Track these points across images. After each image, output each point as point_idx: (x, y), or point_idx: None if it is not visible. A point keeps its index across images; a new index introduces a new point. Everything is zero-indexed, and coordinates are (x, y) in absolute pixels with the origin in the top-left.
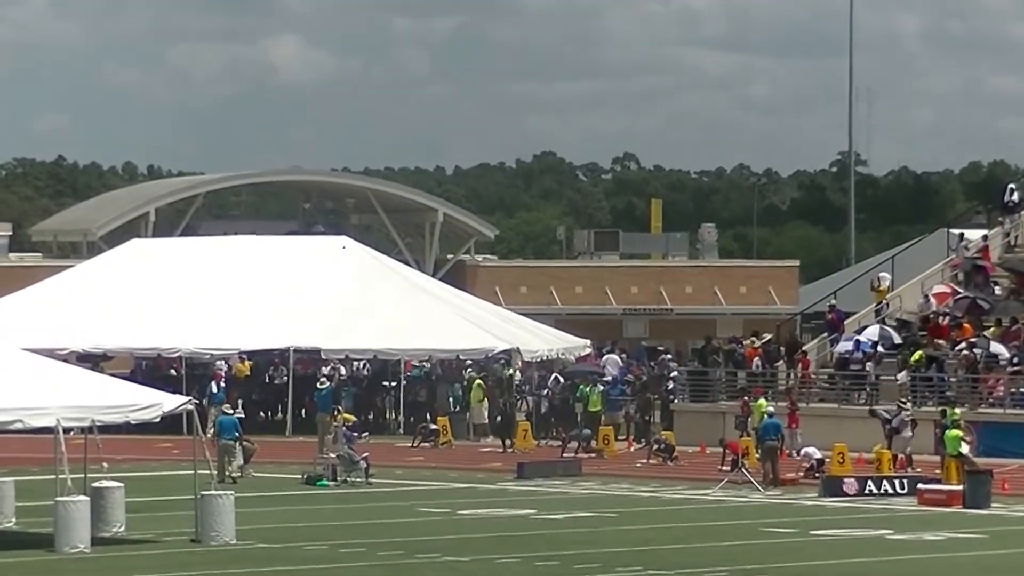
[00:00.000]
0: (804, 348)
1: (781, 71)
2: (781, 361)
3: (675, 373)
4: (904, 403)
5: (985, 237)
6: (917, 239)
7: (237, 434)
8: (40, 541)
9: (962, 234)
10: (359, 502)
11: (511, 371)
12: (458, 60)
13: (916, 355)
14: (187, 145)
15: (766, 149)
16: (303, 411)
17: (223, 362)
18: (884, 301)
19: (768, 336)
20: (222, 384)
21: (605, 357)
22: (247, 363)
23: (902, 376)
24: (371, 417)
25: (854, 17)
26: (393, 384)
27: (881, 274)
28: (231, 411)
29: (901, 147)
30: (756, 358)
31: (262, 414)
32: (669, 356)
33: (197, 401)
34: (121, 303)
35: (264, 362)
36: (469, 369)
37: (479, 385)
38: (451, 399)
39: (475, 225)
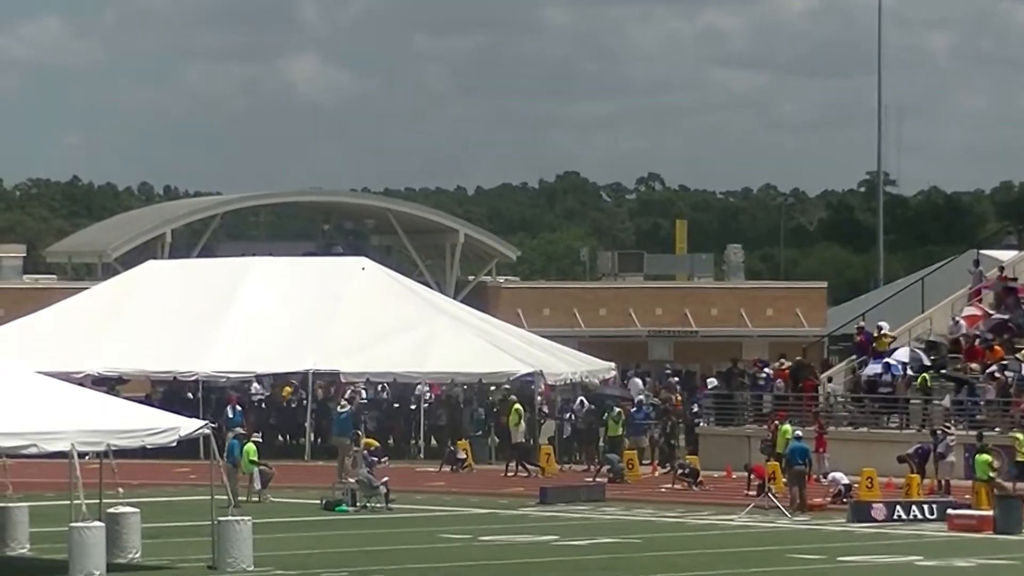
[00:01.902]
0: (826, 372)
1: (808, 89)
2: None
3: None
4: (948, 427)
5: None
6: (947, 260)
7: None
8: (54, 568)
9: (976, 260)
10: (379, 528)
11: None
12: (479, 78)
13: (921, 378)
14: (204, 165)
15: (793, 168)
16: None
17: (258, 385)
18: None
19: (798, 358)
20: (237, 408)
21: (632, 380)
22: (287, 388)
23: (945, 401)
24: (391, 441)
25: (883, 35)
26: (413, 408)
27: (880, 323)
28: (243, 434)
29: (931, 166)
30: (779, 380)
31: (280, 438)
32: (676, 379)
33: (214, 425)
34: (137, 325)
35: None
36: (505, 388)
37: (517, 409)
38: (473, 423)
39: (497, 246)
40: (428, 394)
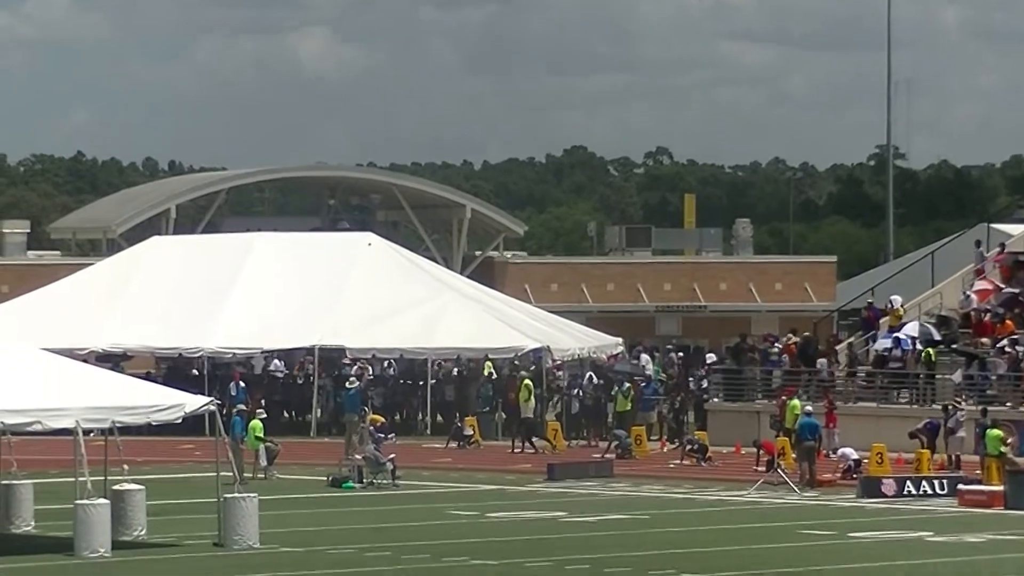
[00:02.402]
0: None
1: (818, 64)
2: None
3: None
4: (959, 402)
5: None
6: (957, 234)
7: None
8: (59, 545)
9: (978, 241)
10: (385, 504)
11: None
12: (487, 53)
13: (925, 353)
14: (209, 140)
15: (803, 143)
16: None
17: (279, 361)
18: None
19: (807, 333)
20: (241, 384)
21: (644, 356)
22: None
23: (956, 376)
24: (400, 418)
25: (893, 9)
26: (420, 384)
27: (893, 297)
28: (246, 411)
29: (941, 141)
30: (786, 356)
31: (286, 414)
32: (679, 354)
33: (219, 402)
34: (141, 302)
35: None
36: (514, 363)
37: (527, 385)
38: (479, 399)
39: (504, 221)
40: (441, 369)
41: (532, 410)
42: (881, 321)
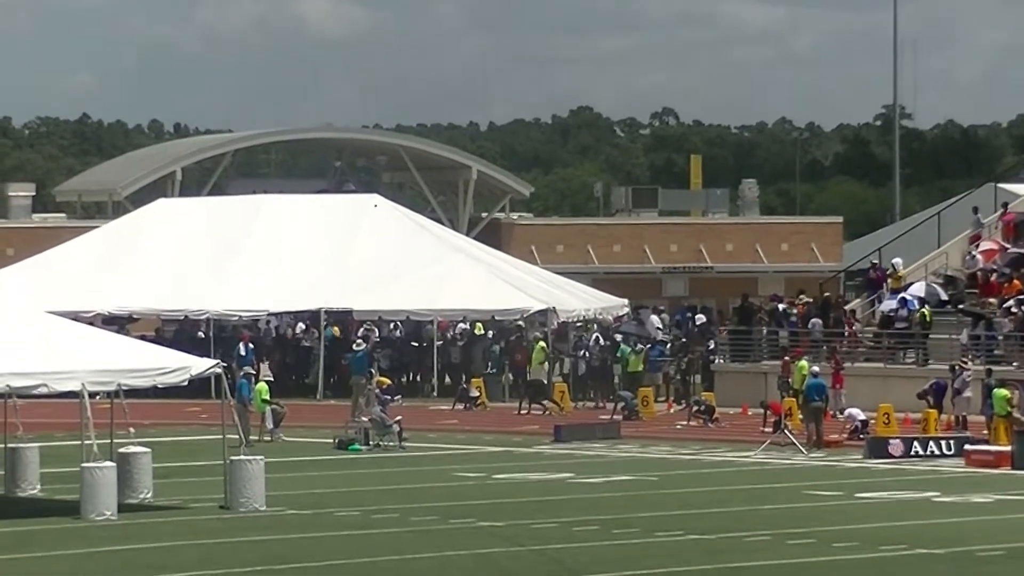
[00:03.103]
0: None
1: (824, 22)
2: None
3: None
4: (965, 363)
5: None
6: (964, 194)
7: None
8: (66, 508)
9: (975, 208)
10: (392, 467)
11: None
12: (493, 13)
13: (920, 313)
14: (215, 102)
15: (809, 103)
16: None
17: (303, 324)
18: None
19: (827, 294)
20: (250, 346)
21: (652, 317)
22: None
23: (963, 336)
24: (407, 379)
25: None
26: (426, 345)
27: (895, 260)
28: (253, 373)
29: (948, 100)
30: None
31: (292, 377)
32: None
33: (225, 364)
34: (147, 264)
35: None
36: (519, 324)
37: (542, 347)
38: (488, 361)
39: (510, 182)
40: (461, 329)
41: (545, 373)
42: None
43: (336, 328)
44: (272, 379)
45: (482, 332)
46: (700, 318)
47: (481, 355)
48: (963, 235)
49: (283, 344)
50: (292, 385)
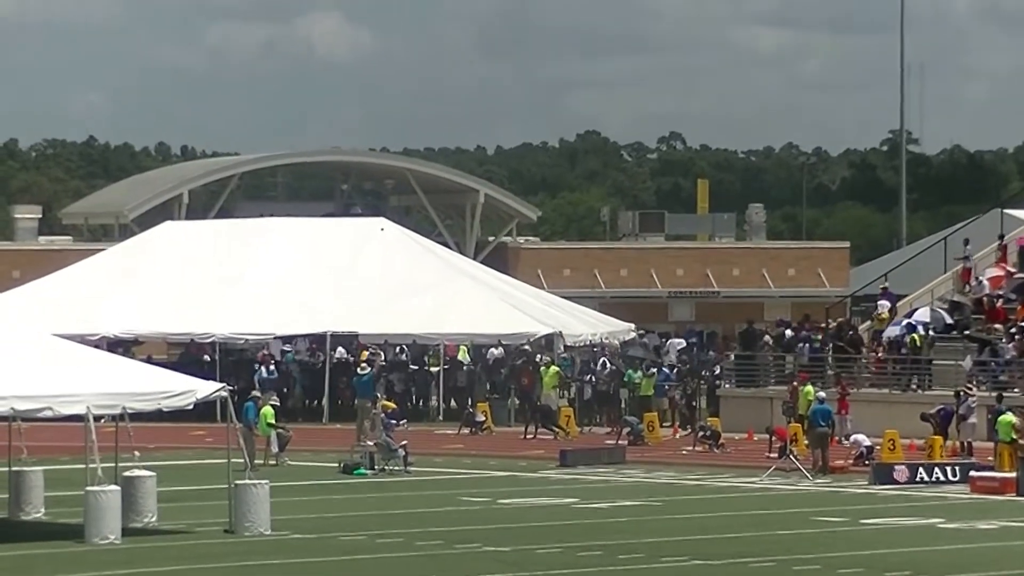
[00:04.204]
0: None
1: (831, 48)
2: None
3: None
4: (970, 389)
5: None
6: (970, 219)
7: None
8: (70, 532)
9: (966, 240)
10: (397, 491)
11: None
12: (500, 37)
13: (911, 339)
14: (222, 125)
15: (816, 127)
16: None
17: (343, 350)
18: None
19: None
20: (271, 368)
21: (669, 341)
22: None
23: (967, 362)
24: (417, 404)
25: None
26: (427, 369)
27: (880, 302)
28: (259, 396)
29: (954, 125)
30: (802, 344)
31: (315, 403)
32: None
33: (231, 388)
34: (154, 287)
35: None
36: (525, 348)
37: (556, 372)
38: (492, 385)
39: (517, 206)
40: (498, 352)
41: (555, 400)
42: (866, 324)
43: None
44: (278, 403)
45: (467, 358)
46: (679, 342)
47: (484, 379)
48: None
49: (303, 368)
50: (298, 408)
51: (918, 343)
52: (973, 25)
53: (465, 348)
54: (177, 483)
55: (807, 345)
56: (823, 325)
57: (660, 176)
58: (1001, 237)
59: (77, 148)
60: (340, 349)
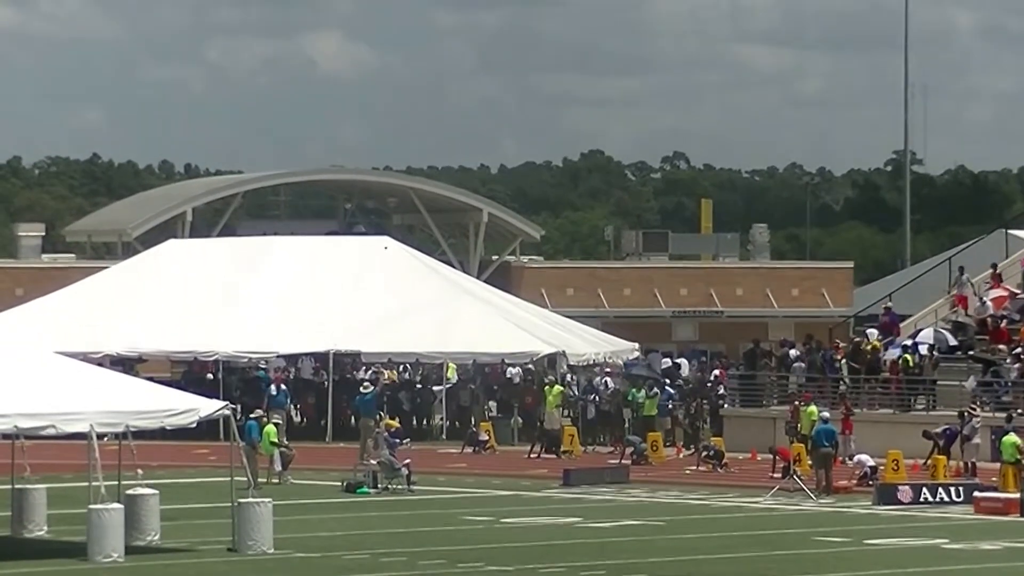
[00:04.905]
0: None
1: (835, 67)
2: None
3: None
4: (974, 409)
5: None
6: (974, 240)
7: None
8: (72, 550)
9: (961, 267)
10: (400, 510)
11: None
12: (503, 55)
13: (902, 359)
14: (225, 143)
15: (819, 147)
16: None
17: (381, 365)
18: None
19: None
20: (283, 387)
21: (680, 361)
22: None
23: (970, 383)
24: (420, 423)
25: (909, 12)
26: (430, 387)
27: (868, 331)
28: (263, 415)
29: (958, 145)
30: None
31: (304, 419)
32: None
33: (234, 407)
34: (157, 305)
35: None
36: (529, 367)
37: (559, 391)
38: (494, 403)
39: (521, 225)
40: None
41: (558, 419)
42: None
43: (393, 373)
44: (281, 421)
45: (454, 376)
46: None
47: (485, 398)
48: (974, 280)
49: (312, 386)
50: (299, 426)
51: (911, 364)
52: (977, 45)
53: (453, 366)
54: (180, 501)
55: (825, 364)
56: (839, 344)
57: (663, 195)
58: (994, 266)
59: (80, 166)
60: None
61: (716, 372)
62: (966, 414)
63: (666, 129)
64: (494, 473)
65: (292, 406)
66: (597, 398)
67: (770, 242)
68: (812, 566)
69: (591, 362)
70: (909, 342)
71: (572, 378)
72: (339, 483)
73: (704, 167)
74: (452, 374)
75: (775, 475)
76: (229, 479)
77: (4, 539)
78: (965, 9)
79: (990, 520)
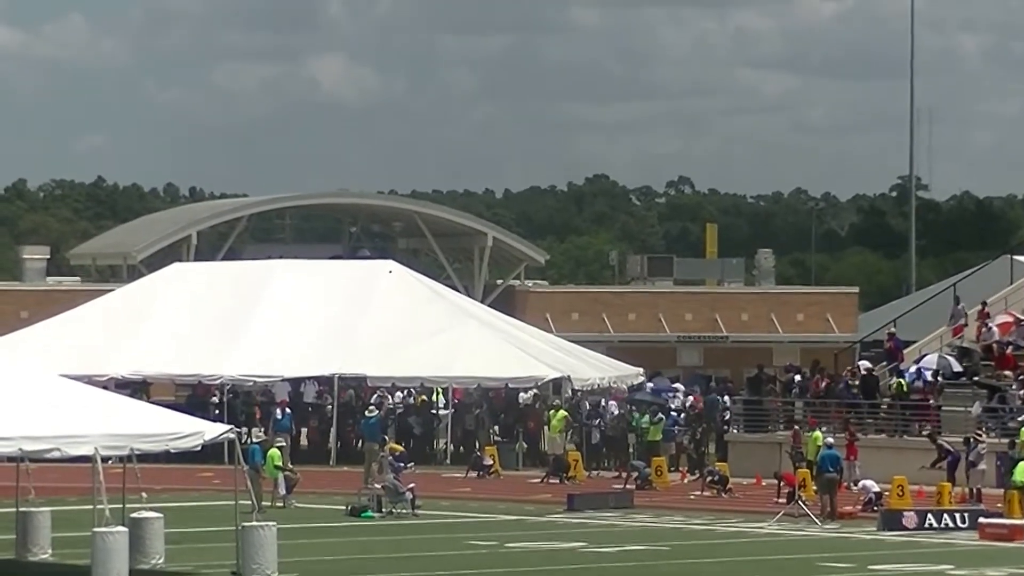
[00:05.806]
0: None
1: (840, 93)
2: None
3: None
4: (980, 435)
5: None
6: (980, 266)
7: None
8: (77, 573)
9: (957, 297)
10: (404, 534)
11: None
12: (507, 80)
13: (897, 383)
14: (230, 167)
15: (824, 173)
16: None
17: (401, 394)
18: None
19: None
20: (287, 411)
21: (675, 385)
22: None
23: (975, 409)
24: (424, 447)
25: (915, 38)
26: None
27: (861, 363)
28: (266, 439)
29: (963, 171)
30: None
31: (308, 442)
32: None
33: (239, 430)
34: (162, 328)
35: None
36: (534, 392)
37: (564, 416)
38: (498, 428)
39: (525, 250)
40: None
41: (561, 444)
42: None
43: (422, 397)
44: (285, 445)
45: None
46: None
47: (490, 423)
48: (979, 306)
49: (319, 410)
50: (304, 450)
51: (904, 389)
52: (982, 71)
53: (440, 391)
54: (184, 525)
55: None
56: (851, 370)
57: (668, 220)
58: (984, 304)
59: (85, 189)
60: (400, 395)
61: (726, 398)
62: (972, 440)
63: (671, 154)
64: (498, 498)
65: (296, 429)
66: (602, 423)
67: (775, 267)
68: None
69: (596, 387)
70: (913, 368)
71: (582, 403)
72: (343, 507)
73: (709, 192)
74: (440, 398)
75: (780, 500)
76: (233, 503)
77: (8, 562)
78: (970, 34)
79: (995, 546)
